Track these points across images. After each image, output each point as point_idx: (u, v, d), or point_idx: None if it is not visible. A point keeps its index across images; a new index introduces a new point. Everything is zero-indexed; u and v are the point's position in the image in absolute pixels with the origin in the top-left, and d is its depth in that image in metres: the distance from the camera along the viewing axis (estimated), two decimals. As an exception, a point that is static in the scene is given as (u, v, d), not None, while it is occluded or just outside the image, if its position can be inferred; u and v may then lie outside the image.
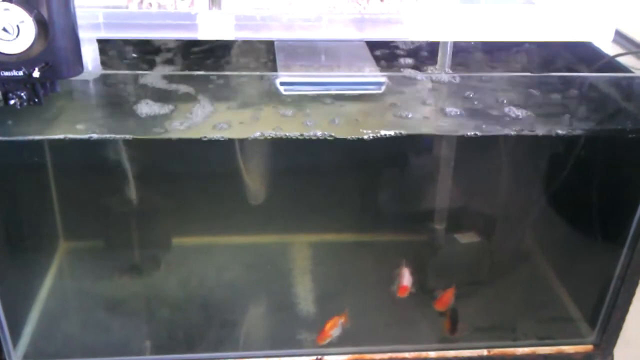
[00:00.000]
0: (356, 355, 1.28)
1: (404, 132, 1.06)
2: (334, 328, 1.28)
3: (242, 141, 1.23)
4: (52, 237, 1.42)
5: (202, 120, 1.05)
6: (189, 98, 1.05)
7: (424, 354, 1.29)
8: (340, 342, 1.28)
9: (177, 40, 1.26)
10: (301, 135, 1.05)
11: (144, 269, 1.38)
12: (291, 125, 1.05)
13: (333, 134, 1.05)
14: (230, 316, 1.36)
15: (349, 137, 1.06)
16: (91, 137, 1.04)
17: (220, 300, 1.38)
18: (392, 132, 1.06)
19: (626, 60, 1.14)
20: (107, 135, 1.06)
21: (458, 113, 1.09)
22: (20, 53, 0.82)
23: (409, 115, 1.08)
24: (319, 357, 1.27)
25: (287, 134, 1.04)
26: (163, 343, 1.32)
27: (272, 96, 1.03)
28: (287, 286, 1.39)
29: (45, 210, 1.38)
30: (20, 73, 0.83)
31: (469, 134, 1.08)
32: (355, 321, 1.30)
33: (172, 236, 1.41)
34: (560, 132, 1.11)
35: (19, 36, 0.81)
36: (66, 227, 1.41)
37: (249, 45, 1.27)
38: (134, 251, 1.39)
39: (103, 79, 1.01)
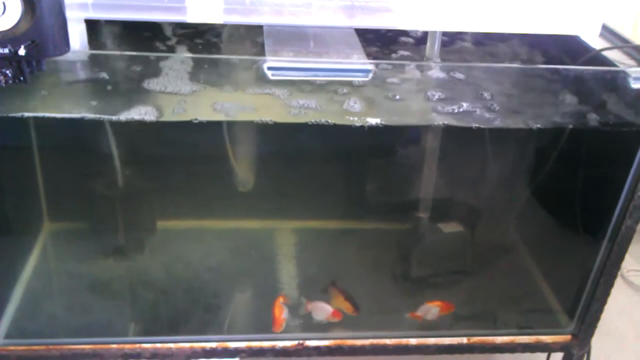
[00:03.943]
0: (338, 341, 1.29)
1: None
2: (284, 312, 1.28)
3: (230, 125, 1.23)
4: (36, 217, 1.41)
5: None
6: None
7: (404, 341, 1.30)
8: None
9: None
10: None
11: (129, 252, 1.38)
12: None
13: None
14: (215, 300, 1.36)
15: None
16: (84, 117, 1.03)
17: (204, 284, 1.38)
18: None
19: (612, 55, 1.16)
20: (99, 116, 1.05)
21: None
22: (6, 30, 0.81)
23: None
24: (301, 341, 1.28)
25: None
26: (146, 325, 1.33)
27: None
28: (271, 271, 1.40)
29: (29, 191, 1.37)
30: (6, 51, 0.82)
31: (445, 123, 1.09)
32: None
33: (157, 219, 1.41)
34: (541, 126, 1.12)
35: (5, 13, 0.80)
36: (50, 208, 1.41)
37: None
38: (118, 234, 1.39)
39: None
